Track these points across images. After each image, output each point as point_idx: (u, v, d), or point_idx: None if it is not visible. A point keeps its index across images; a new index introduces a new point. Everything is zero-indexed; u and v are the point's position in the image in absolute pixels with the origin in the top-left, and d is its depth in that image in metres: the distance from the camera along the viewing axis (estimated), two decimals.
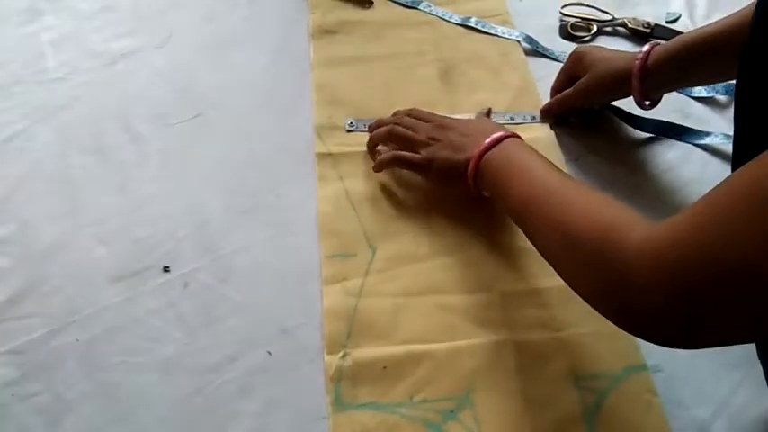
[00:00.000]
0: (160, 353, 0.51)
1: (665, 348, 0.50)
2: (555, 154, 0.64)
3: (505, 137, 0.54)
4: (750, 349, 0.49)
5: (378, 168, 0.61)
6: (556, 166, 0.50)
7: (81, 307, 0.54)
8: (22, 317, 0.53)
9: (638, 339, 0.51)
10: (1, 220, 0.59)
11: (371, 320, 0.53)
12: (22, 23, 0.77)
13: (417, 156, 0.59)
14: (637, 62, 0.59)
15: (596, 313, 0.52)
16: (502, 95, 0.70)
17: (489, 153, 0.53)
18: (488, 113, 0.66)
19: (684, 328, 0.34)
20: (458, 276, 0.55)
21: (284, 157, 0.64)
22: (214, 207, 0.60)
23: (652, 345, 0.50)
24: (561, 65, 0.69)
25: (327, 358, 0.50)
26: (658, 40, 0.61)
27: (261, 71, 0.72)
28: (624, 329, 0.39)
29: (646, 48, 0.59)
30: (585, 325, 0.52)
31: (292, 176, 0.62)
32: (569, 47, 0.75)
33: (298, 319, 0.53)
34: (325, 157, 0.64)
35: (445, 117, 0.61)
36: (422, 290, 0.54)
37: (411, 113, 0.62)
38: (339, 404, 0.48)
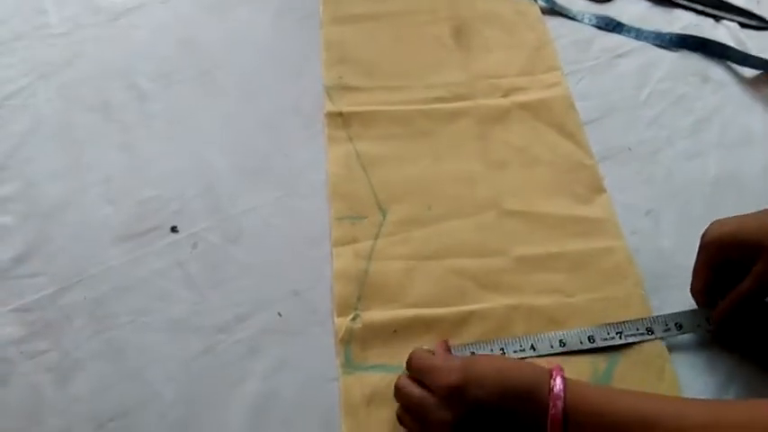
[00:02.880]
0: (169, 312, 0.51)
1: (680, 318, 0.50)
2: (572, 115, 0.62)
3: (562, 386, 0.40)
4: None
5: None
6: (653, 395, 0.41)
7: (88, 266, 0.53)
8: (29, 275, 0.53)
9: (650, 305, 0.51)
10: (5, 178, 0.58)
11: (382, 283, 0.52)
12: None
13: None
14: None
15: (608, 280, 0.52)
16: (517, 55, 0.68)
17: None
18: (446, 347, 0.47)
19: None
20: (470, 240, 0.54)
21: (293, 116, 0.63)
22: (221, 167, 0.59)
23: (664, 310, 0.50)
24: (579, 24, 0.67)
25: (337, 320, 0.50)
26: None
27: (268, 27, 0.70)
28: None
29: None
30: (598, 290, 0.51)
31: (301, 137, 0.61)
32: (588, 6, 0.73)
33: (308, 281, 0.52)
34: (335, 116, 0.62)
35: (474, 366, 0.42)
36: (433, 253, 0.54)
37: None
38: (349, 365, 0.48)
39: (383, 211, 0.56)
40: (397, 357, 0.48)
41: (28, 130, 0.61)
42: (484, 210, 0.56)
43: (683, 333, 0.49)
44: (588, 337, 0.48)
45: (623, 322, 0.49)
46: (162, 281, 0.52)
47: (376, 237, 0.55)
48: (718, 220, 0.48)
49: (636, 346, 0.49)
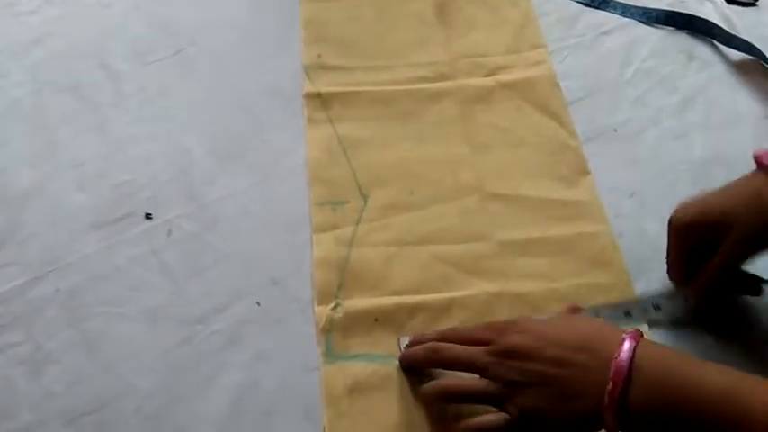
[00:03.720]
0: (144, 302, 0.49)
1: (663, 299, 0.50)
2: (557, 95, 0.61)
3: (634, 346, 0.36)
4: None
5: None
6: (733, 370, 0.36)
7: (60, 255, 0.51)
8: (0, 265, 0.51)
9: (634, 290, 0.50)
10: None
11: (363, 271, 0.51)
12: None
13: (497, 419, 0.40)
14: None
15: (593, 264, 0.51)
16: (500, 33, 0.66)
17: (630, 388, 0.35)
18: (575, 310, 0.46)
19: None
20: (453, 225, 0.53)
21: (270, 98, 0.61)
22: (197, 151, 0.57)
23: (649, 296, 0.50)
24: (566, 1, 0.65)
25: (318, 309, 0.49)
26: None
27: (244, 4, 0.68)
28: None
29: None
30: (581, 276, 0.51)
31: (279, 119, 0.59)
32: None
33: (287, 269, 0.51)
34: (314, 97, 0.60)
35: (505, 326, 0.42)
36: (416, 239, 0.53)
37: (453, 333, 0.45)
38: (330, 355, 0.47)
39: (364, 196, 0.55)
40: (379, 346, 0.47)
41: None
42: (467, 193, 0.55)
43: (662, 313, 0.49)
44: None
45: (602, 305, 0.49)
46: (137, 269, 0.51)
47: (357, 222, 0.54)
48: (683, 204, 0.48)
49: None
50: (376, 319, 0.49)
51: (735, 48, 0.65)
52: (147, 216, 0.53)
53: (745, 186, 0.46)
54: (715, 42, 0.66)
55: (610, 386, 0.35)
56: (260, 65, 0.63)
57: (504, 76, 0.63)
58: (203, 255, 0.52)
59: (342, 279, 0.50)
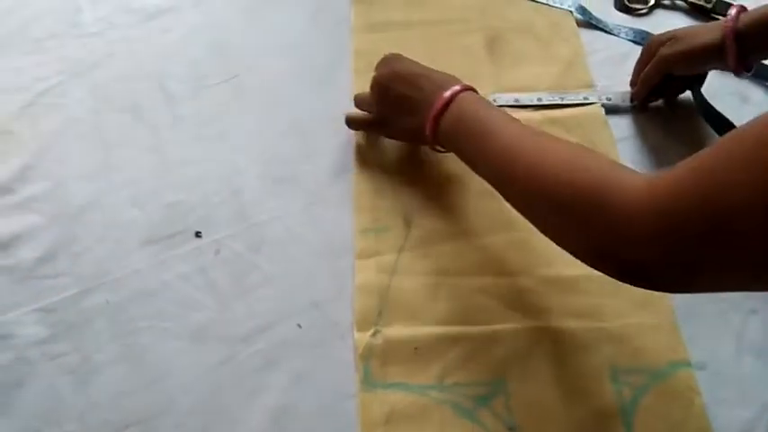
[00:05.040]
0: (189, 319, 0.51)
1: (710, 345, 0.49)
2: (605, 132, 0.61)
3: (459, 91, 0.50)
4: None
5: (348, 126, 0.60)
6: (518, 121, 0.48)
7: (112, 269, 0.53)
8: (53, 275, 0.53)
9: (683, 333, 0.49)
10: (34, 177, 0.58)
11: (404, 299, 0.51)
12: None
13: (369, 116, 0.58)
14: (728, 25, 0.55)
15: (639, 304, 0.50)
16: (550, 68, 0.66)
17: (447, 113, 0.50)
18: None
19: (683, 275, 0.36)
20: (497, 258, 0.53)
21: (321, 124, 0.62)
22: (248, 174, 0.59)
23: (696, 340, 0.49)
24: (615, 38, 0.65)
25: (357, 335, 0.49)
26: (743, 6, 0.57)
27: (299, 33, 0.70)
28: (617, 279, 0.39)
29: (733, 11, 0.56)
30: (628, 316, 0.50)
31: (329, 145, 0.61)
32: (624, 19, 0.71)
33: (329, 293, 0.52)
34: None
35: (400, 63, 0.57)
36: (458, 270, 0.53)
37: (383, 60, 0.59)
38: (368, 383, 0.47)
39: (408, 224, 0.55)
40: (418, 376, 0.47)
41: (58, 129, 0.62)
42: (512, 227, 0.55)
43: (612, 103, 0.63)
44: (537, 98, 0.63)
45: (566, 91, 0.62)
46: (184, 286, 0.52)
47: (400, 250, 0.54)
48: (674, 37, 0.59)
49: (665, 377, 0.47)
50: (415, 349, 0.48)
51: None
52: (197, 234, 0.55)
53: (712, 25, 0.58)
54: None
55: (433, 111, 0.50)
56: (312, 92, 0.65)
57: (551, 112, 0.63)
58: (249, 275, 0.53)
59: (382, 306, 0.51)
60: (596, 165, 0.40)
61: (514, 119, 0.48)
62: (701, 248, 0.33)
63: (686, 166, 0.34)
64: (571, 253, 0.41)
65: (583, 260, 0.40)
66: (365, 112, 0.59)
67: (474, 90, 0.52)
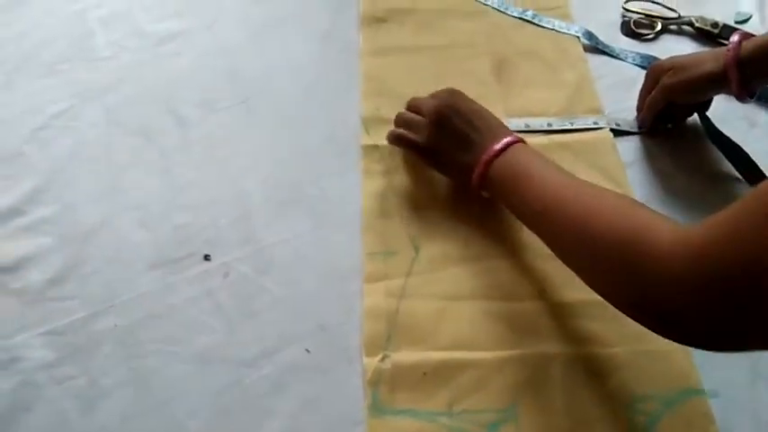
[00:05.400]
0: (197, 343, 0.50)
1: (724, 373, 0.48)
2: (614, 157, 0.61)
3: (514, 142, 0.52)
4: None
5: (390, 141, 0.60)
6: (567, 171, 0.48)
7: (120, 291, 0.53)
8: (62, 298, 0.53)
9: (696, 361, 0.49)
10: (44, 200, 0.58)
11: (413, 323, 0.51)
12: (71, 0, 0.76)
13: (416, 139, 0.57)
14: (729, 53, 0.56)
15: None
16: (557, 93, 0.67)
17: (498, 160, 0.51)
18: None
19: (714, 328, 0.35)
20: (506, 282, 0.53)
21: (329, 148, 0.62)
22: (257, 196, 0.59)
23: (710, 367, 0.48)
24: (622, 63, 0.66)
25: (366, 360, 0.49)
26: (747, 32, 0.58)
27: (308, 57, 0.71)
28: (649, 328, 0.39)
29: (735, 38, 0.56)
30: (641, 343, 0.49)
31: (337, 169, 0.61)
32: (631, 44, 0.72)
33: (337, 317, 0.52)
34: (371, 150, 0.62)
35: (461, 98, 0.57)
36: (467, 294, 0.52)
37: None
38: (376, 409, 0.47)
39: (416, 248, 0.55)
40: (426, 402, 0.47)
41: (69, 152, 0.62)
42: (522, 251, 0.55)
43: (620, 128, 0.64)
44: (547, 123, 0.63)
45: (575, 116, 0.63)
46: (192, 310, 0.52)
47: (408, 274, 0.54)
48: (676, 66, 0.60)
49: (678, 405, 0.46)
50: (424, 374, 0.48)
51: None
52: (206, 257, 0.55)
53: (714, 53, 0.59)
54: None
55: (486, 155, 0.51)
56: (321, 115, 0.65)
57: (560, 136, 0.63)
58: (257, 298, 0.53)
59: (391, 331, 0.50)
60: (638, 213, 0.41)
61: (561, 168, 0.49)
62: (736, 300, 0.33)
63: (722, 215, 0.34)
64: (608, 300, 0.42)
65: (623, 311, 0.41)
66: (410, 132, 0.58)
67: (525, 143, 0.53)
